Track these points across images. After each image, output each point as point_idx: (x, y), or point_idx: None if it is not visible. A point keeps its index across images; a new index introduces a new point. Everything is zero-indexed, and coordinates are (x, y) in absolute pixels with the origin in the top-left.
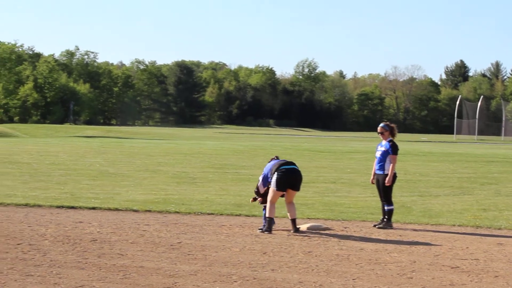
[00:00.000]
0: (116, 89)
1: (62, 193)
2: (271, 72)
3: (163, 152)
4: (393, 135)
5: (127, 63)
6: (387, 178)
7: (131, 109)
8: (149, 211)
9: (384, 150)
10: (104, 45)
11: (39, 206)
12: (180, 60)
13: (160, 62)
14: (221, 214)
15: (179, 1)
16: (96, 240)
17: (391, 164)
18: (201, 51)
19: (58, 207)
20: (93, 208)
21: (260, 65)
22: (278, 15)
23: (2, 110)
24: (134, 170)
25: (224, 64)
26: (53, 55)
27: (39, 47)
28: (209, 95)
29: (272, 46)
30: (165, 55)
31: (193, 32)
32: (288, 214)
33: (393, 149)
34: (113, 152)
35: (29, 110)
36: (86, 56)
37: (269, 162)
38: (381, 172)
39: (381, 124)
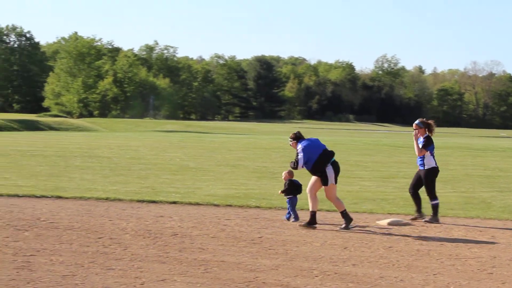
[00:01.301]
0: (195, 83)
1: (143, 187)
2: (350, 67)
3: (243, 147)
4: (430, 131)
5: (206, 57)
6: (417, 150)
7: (211, 103)
8: (230, 205)
9: None
10: (183, 39)
11: (120, 200)
12: (260, 55)
13: (239, 57)
14: (302, 209)
15: None
16: (177, 234)
17: (421, 145)
18: (281, 46)
19: (138, 201)
20: (174, 203)
21: (340, 60)
22: (358, 10)
23: (82, 105)
24: (214, 165)
25: (304, 59)
26: (132, 49)
27: (118, 41)
28: (289, 90)
29: (351, 41)
30: (244, 50)
31: (273, 27)
32: (338, 207)
33: (424, 143)
34: (194, 146)
35: (108, 104)
36: (165, 51)
37: (299, 139)
38: (422, 168)
39: (416, 122)
